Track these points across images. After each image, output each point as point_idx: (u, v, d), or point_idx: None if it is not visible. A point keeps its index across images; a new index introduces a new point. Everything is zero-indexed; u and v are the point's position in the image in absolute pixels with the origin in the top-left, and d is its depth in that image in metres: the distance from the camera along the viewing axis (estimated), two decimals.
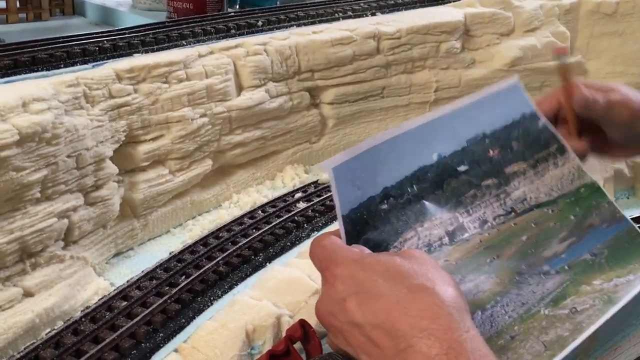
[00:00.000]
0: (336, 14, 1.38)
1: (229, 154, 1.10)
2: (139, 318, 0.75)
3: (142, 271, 0.87)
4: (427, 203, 0.71)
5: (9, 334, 0.74)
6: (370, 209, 0.65)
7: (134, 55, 1.03)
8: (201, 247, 0.91)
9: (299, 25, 1.30)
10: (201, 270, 0.83)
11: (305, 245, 0.95)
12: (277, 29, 1.26)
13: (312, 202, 1.05)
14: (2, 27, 1.36)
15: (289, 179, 1.17)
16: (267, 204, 1.05)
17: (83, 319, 0.78)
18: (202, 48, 1.08)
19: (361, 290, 0.51)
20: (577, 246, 0.80)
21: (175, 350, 0.74)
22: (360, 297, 0.50)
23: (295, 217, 1.01)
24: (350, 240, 0.61)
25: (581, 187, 0.86)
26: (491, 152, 0.78)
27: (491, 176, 0.77)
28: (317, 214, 1.03)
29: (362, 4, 1.46)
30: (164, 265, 0.87)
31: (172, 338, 0.75)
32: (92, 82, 0.89)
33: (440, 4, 1.58)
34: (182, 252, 0.91)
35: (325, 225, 1.01)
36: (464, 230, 0.72)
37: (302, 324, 0.73)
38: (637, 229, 0.86)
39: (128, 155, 0.96)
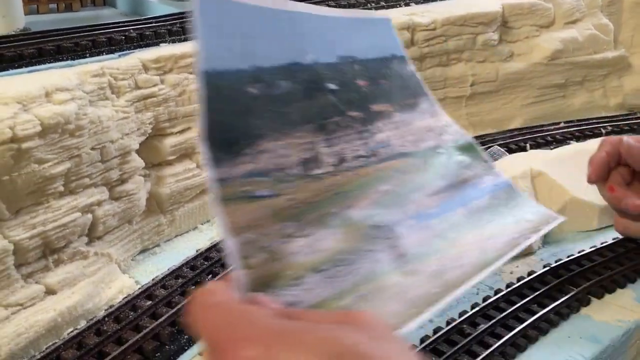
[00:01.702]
0: (369, 5, 1.34)
1: None
2: (163, 319, 0.71)
3: (168, 269, 0.84)
4: (295, 110, 0.59)
5: (31, 333, 0.71)
6: (236, 86, 0.51)
7: (161, 45, 1.00)
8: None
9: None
10: (228, 269, 0.80)
11: None
12: None
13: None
14: (33, 17, 1.34)
15: None
16: None
17: (106, 319, 0.75)
18: None
19: None
20: (449, 201, 0.73)
21: (200, 354, 0.71)
22: None
23: None
24: (210, 114, 0.46)
25: (453, 142, 0.81)
26: (359, 82, 0.70)
27: (358, 108, 0.68)
28: None
29: None
30: (190, 263, 0.84)
31: (197, 341, 0.71)
32: (117, 72, 0.86)
33: None
34: (209, 249, 0.88)
35: None
36: (318, 163, 0.60)
37: None
38: (518, 189, 0.81)
39: (154, 148, 0.93)
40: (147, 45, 0.99)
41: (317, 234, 0.57)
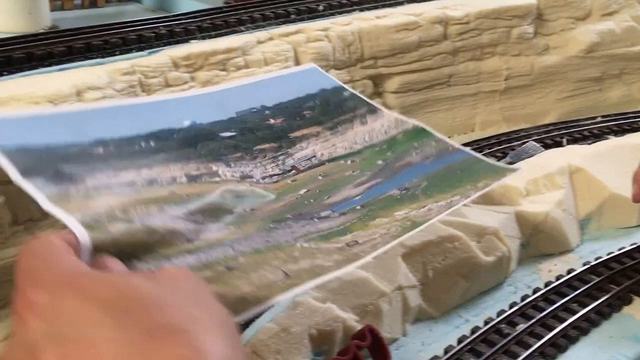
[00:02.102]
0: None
1: None
2: None
3: None
4: (168, 154, 0.62)
5: None
6: (71, 151, 0.57)
7: (191, 42, 0.99)
8: None
9: (361, 10, 1.23)
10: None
11: None
12: (338, 14, 1.20)
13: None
14: (58, 13, 1.34)
15: None
16: None
17: None
18: (261, 34, 1.03)
19: (67, 334, 0.30)
20: (382, 185, 0.72)
21: None
22: (63, 345, 0.30)
23: None
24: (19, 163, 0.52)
25: (398, 134, 0.80)
26: (272, 120, 0.73)
27: (269, 141, 0.71)
28: None
29: None
30: None
31: None
32: (148, 70, 0.86)
33: None
34: None
35: None
36: (214, 175, 0.63)
37: (370, 329, 0.68)
38: (477, 154, 0.80)
39: None
40: (177, 42, 0.99)
41: (207, 224, 0.57)
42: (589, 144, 1.15)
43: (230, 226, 0.57)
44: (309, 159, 0.71)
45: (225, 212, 0.59)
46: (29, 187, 0.51)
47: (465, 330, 0.75)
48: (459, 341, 0.72)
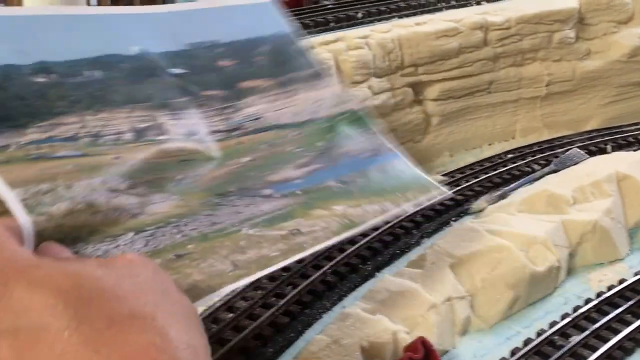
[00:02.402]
0: (439, 4, 1.31)
1: None
2: (247, 331, 0.70)
3: None
4: (113, 92, 0.59)
5: None
6: (10, 77, 0.54)
7: None
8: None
9: (400, 17, 1.23)
10: (309, 280, 0.78)
11: (415, 253, 0.89)
12: (377, 21, 1.20)
13: (419, 207, 0.98)
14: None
15: None
16: None
17: None
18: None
19: (20, 325, 0.30)
20: (321, 172, 0.69)
21: None
22: (17, 338, 0.29)
23: (403, 223, 0.94)
24: None
25: (341, 114, 0.76)
26: (223, 62, 0.69)
27: (217, 87, 0.66)
28: (426, 220, 0.96)
29: None
30: (268, 275, 0.83)
31: (282, 353, 0.70)
32: None
33: None
34: None
35: (436, 231, 0.94)
36: (161, 131, 0.59)
37: (423, 342, 0.67)
38: (407, 160, 0.74)
39: None
40: None
41: (151, 195, 0.55)
42: (635, 150, 1.13)
43: (174, 196, 0.57)
44: (255, 119, 0.68)
45: (168, 180, 0.57)
46: None
47: (517, 342, 0.74)
48: (512, 353, 0.71)
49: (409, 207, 0.72)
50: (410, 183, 0.76)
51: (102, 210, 0.52)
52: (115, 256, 0.37)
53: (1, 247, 0.34)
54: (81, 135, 0.55)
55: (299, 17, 1.14)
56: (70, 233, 0.48)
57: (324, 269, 0.82)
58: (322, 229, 0.63)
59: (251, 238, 0.58)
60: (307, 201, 0.66)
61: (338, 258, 0.84)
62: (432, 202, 0.76)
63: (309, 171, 0.70)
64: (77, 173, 0.53)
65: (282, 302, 0.73)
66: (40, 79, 0.56)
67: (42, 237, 0.46)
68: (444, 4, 1.29)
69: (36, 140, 0.53)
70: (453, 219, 0.97)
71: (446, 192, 0.78)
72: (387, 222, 0.94)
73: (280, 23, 0.76)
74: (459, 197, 1.01)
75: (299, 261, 0.86)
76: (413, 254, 0.89)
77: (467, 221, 0.95)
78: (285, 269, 0.84)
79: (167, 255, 0.52)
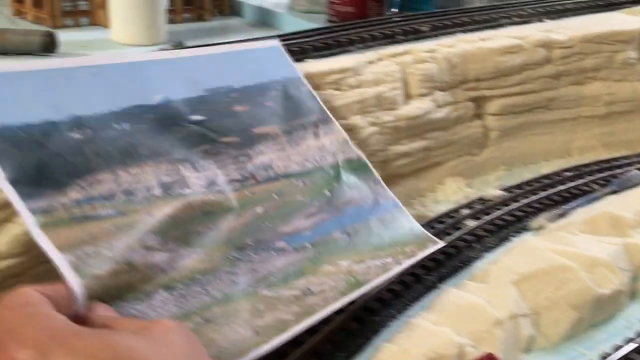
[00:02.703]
0: (501, 20, 1.31)
1: (394, 164, 1.07)
2: (322, 336, 0.72)
3: None
4: (141, 145, 0.60)
5: None
6: (49, 133, 0.54)
7: (305, 60, 1.02)
8: None
9: (464, 32, 1.24)
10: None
11: (477, 267, 0.90)
12: (442, 35, 1.21)
13: (481, 220, 1.00)
14: (170, 27, 1.39)
15: (451, 192, 1.13)
16: (433, 219, 1.01)
17: None
18: (371, 54, 1.05)
19: None
20: (328, 223, 0.71)
21: None
22: None
23: (465, 236, 0.95)
24: (7, 161, 0.50)
25: (344, 162, 0.77)
26: (237, 107, 0.70)
27: (233, 134, 0.67)
28: (487, 233, 0.97)
29: (528, 10, 1.38)
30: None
31: (353, 358, 0.72)
32: None
33: (612, 9, 1.47)
34: None
35: (497, 246, 0.95)
36: (185, 185, 0.61)
37: (491, 357, 0.68)
38: (405, 210, 0.80)
39: None
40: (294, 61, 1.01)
41: (179, 250, 0.58)
42: None
43: (199, 249, 0.59)
44: (265, 169, 0.70)
45: (193, 233, 0.59)
46: (16, 200, 0.50)
47: None
48: None
49: (407, 264, 0.75)
50: (409, 236, 0.79)
51: (139, 268, 0.53)
52: (151, 320, 0.40)
53: (39, 316, 0.35)
54: (117, 193, 0.55)
55: (366, 28, 1.16)
56: (112, 293, 0.50)
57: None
58: (331, 289, 0.66)
59: (268, 300, 0.60)
60: (316, 256, 0.69)
61: None
62: (426, 256, 0.79)
63: (316, 222, 0.73)
64: (117, 233, 0.55)
65: (352, 307, 0.75)
66: (76, 135, 0.56)
67: (89, 299, 0.48)
68: (506, 20, 1.30)
69: (78, 200, 0.54)
70: (512, 234, 0.98)
71: (441, 244, 0.82)
72: (449, 234, 0.96)
73: (288, 67, 0.78)
74: (519, 214, 1.03)
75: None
76: (475, 268, 0.90)
77: (528, 238, 0.96)
78: None
79: (196, 318, 0.54)
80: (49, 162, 0.53)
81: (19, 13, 1.43)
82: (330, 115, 0.79)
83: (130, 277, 0.52)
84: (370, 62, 1.03)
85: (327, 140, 0.78)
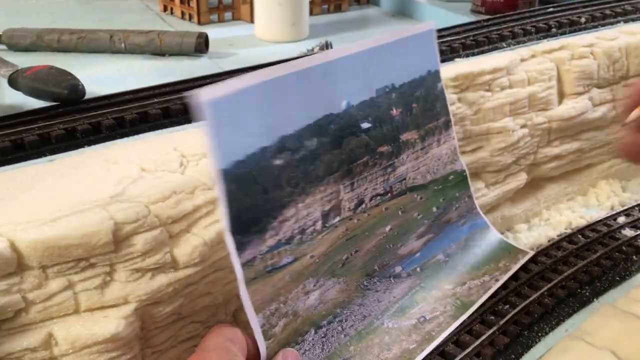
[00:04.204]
0: (577, 25, 1.20)
1: (543, 167, 1.02)
2: (469, 349, 0.71)
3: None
4: (320, 164, 0.53)
5: None
6: (261, 164, 0.47)
7: (456, 60, 0.99)
8: (520, 271, 0.85)
9: (626, 21, 1.16)
10: (527, 301, 0.78)
11: (635, 282, 0.85)
12: (602, 27, 1.14)
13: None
14: (309, 19, 1.40)
15: (604, 196, 1.06)
16: (586, 227, 0.95)
17: None
18: (524, 51, 1.01)
19: None
20: (433, 243, 0.69)
21: None
22: None
23: (623, 247, 0.90)
24: (233, 206, 0.44)
25: (451, 174, 0.74)
26: (394, 110, 0.64)
27: (388, 142, 0.63)
28: None
29: None
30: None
31: None
32: None
33: None
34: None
35: None
36: (338, 211, 0.56)
37: None
38: (492, 227, 0.77)
39: None
40: (443, 61, 0.99)
41: (326, 283, 0.55)
42: None
43: (341, 279, 0.57)
44: (400, 180, 0.66)
45: (338, 263, 0.57)
46: (233, 253, 0.46)
47: None
48: None
49: (504, 279, 0.72)
50: (499, 250, 0.77)
51: (301, 314, 0.52)
52: None
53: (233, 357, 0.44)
54: (295, 234, 0.51)
55: (518, 22, 1.11)
56: (281, 343, 0.51)
57: (541, 290, 0.80)
58: (442, 314, 0.67)
59: (392, 332, 0.60)
60: (425, 281, 0.68)
61: (555, 280, 0.83)
62: (519, 266, 0.77)
63: (424, 242, 0.71)
64: (290, 284, 0.52)
65: (501, 322, 0.73)
66: (278, 161, 0.49)
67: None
68: (584, 24, 1.19)
69: (271, 247, 0.50)
70: None
71: (531, 253, 0.78)
72: (604, 245, 0.91)
73: (434, 57, 0.72)
74: None
75: (513, 277, 0.85)
76: (634, 282, 0.85)
77: None
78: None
79: (336, 359, 0.55)
80: (258, 201, 0.48)
81: (167, 9, 1.50)
82: (452, 118, 0.76)
83: (295, 325, 0.52)
84: (523, 60, 0.99)
85: (444, 149, 0.74)
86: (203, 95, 0.43)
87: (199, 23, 1.41)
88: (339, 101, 0.56)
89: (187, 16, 1.45)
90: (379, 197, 0.62)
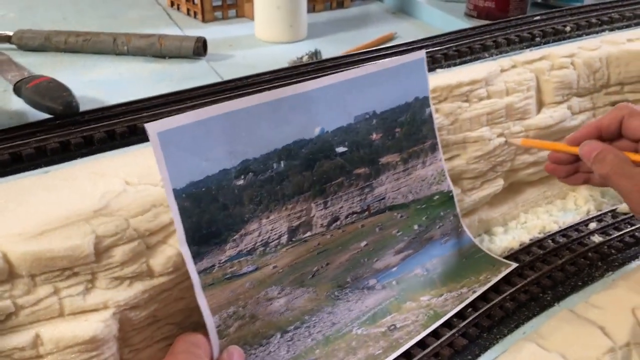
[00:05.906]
0: (592, 29, 1.23)
1: (521, 173, 1.07)
2: (428, 350, 0.77)
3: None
4: (288, 185, 0.57)
5: None
6: (222, 184, 0.52)
7: (437, 71, 1.04)
8: None
9: (611, 30, 1.19)
10: (489, 305, 0.83)
11: (597, 288, 0.89)
12: (586, 35, 1.17)
13: (609, 237, 0.98)
14: (309, 16, 1.43)
15: (582, 200, 1.10)
16: (557, 232, 1.00)
17: None
18: (505, 61, 1.04)
19: None
20: (412, 259, 0.71)
21: None
22: None
23: (589, 253, 0.95)
24: (188, 221, 0.50)
25: (436, 194, 0.75)
26: (374, 135, 0.67)
27: (366, 163, 0.66)
28: (613, 251, 0.95)
29: None
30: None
31: None
32: None
33: None
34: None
35: (623, 264, 0.93)
36: (308, 227, 0.60)
37: None
38: (477, 243, 0.79)
39: None
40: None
41: (295, 292, 0.59)
42: None
43: (310, 288, 0.61)
44: (379, 200, 0.69)
45: (308, 274, 0.61)
46: (189, 261, 0.52)
47: None
48: None
49: (481, 290, 0.76)
50: (482, 264, 0.79)
51: (261, 317, 0.57)
52: None
53: (199, 356, 0.53)
54: (257, 246, 0.56)
55: (503, 31, 1.14)
56: (236, 342, 0.56)
57: (504, 294, 0.85)
58: (413, 323, 0.68)
59: (360, 338, 0.63)
60: (400, 293, 0.72)
61: (519, 284, 0.88)
62: (499, 278, 0.79)
63: (403, 258, 0.75)
64: (251, 291, 0.56)
65: (462, 323, 0.78)
66: (240, 182, 0.54)
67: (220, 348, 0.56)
68: (599, 29, 1.21)
69: (231, 257, 0.55)
70: None
71: (513, 266, 0.82)
72: (572, 250, 0.95)
73: (423, 83, 0.74)
74: None
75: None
76: (595, 289, 0.90)
77: None
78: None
79: None
80: (217, 216, 0.52)
81: (174, 5, 1.55)
82: (439, 141, 0.79)
83: (253, 327, 0.57)
84: (504, 70, 1.03)
85: (430, 170, 0.77)
86: (152, 128, 0.49)
87: (203, 20, 1.46)
88: (312, 128, 0.60)
89: (192, 13, 1.50)
90: (355, 215, 0.66)
